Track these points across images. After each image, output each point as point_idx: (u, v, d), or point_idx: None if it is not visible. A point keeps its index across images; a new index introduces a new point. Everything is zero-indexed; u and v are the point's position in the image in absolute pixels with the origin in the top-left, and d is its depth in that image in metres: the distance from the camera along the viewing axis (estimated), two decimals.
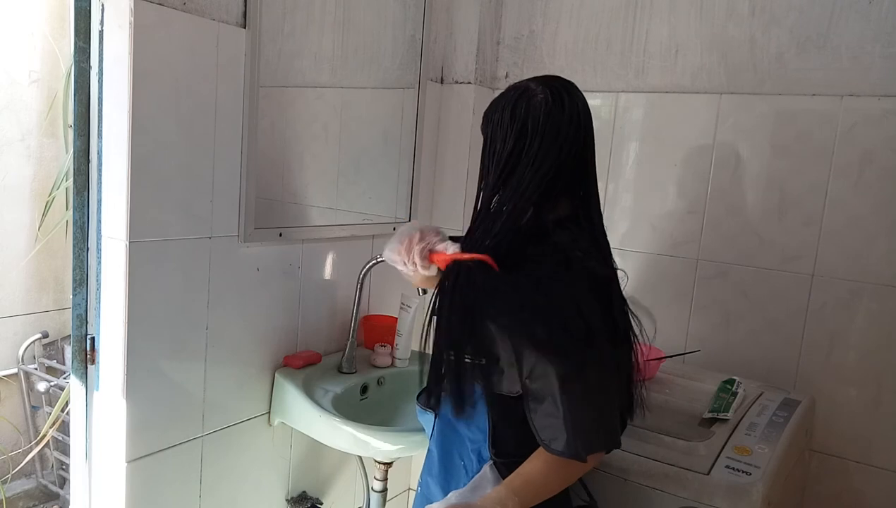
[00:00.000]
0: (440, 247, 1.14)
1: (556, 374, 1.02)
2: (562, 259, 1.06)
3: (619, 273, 1.17)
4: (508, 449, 1.11)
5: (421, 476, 1.26)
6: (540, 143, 1.09)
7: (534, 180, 1.09)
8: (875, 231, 1.64)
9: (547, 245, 1.08)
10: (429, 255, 1.15)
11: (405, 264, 1.19)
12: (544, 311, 1.04)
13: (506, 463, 1.10)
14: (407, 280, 1.28)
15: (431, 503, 1.19)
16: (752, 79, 1.76)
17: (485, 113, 1.17)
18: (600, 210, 1.17)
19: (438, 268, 1.16)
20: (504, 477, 1.08)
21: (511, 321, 1.06)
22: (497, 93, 1.18)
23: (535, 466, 1.05)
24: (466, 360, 1.10)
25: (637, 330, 1.18)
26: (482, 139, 1.18)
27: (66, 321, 2.79)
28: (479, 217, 1.14)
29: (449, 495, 1.12)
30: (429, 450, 1.25)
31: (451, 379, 1.12)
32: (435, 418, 1.23)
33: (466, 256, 1.08)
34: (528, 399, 1.06)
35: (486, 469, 1.11)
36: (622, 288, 1.17)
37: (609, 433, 1.07)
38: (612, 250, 1.19)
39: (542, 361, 1.03)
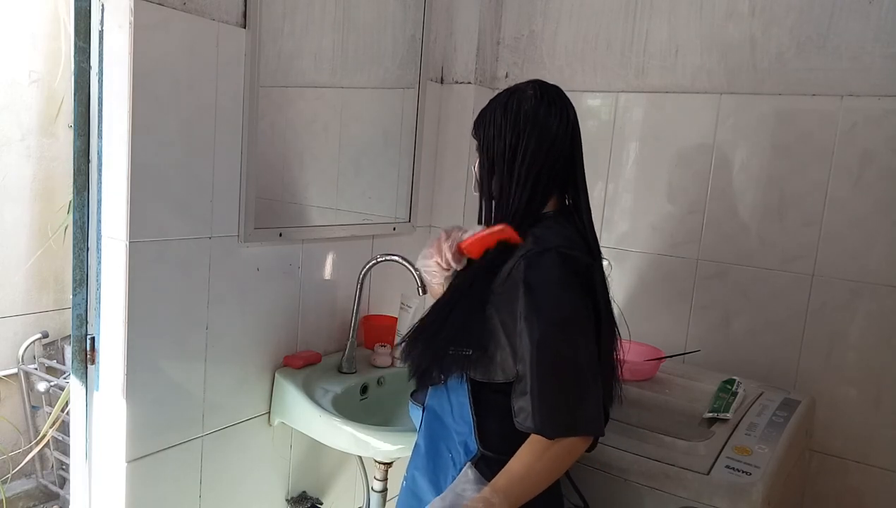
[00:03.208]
0: (465, 236, 1.17)
1: (530, 351, 1.04)
2: (542, 246, 1.09)
3: (604, 263, 1.20)
4: (494, 442, 1.11)
5: (407, 471, 1.27)
6: (531, 135, 1.13)
7: (529, 172, 1.14)
8: (875, 231, 1.64)
9: (530, 234, 1.12)
10: (457, 248, 1.18)
11: (440, 265, 1.20)
12: (527, 294, 1.06)
13: (492, 459, 1.10)
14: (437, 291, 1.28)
15: (417, 496, 1.20)
16: (752, 79, 1.76)
17: (476, 118, 1.21)
18: (589, 205, 1.20)
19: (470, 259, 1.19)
20: (488, 474, 1.09)
21: (498, 307, 1.10)
22: (496, 94, 1.21)
23: (516, 460, 1.06)
24: (450, 352, 1.12)
25: (618, 324, 1.21)
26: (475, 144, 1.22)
27: (66, 321, 2.79)
28: (482, 215, 1.20)
29: (433, 501, 1.12)
30: (416, 444, 1.26)
31: (421, 360, 1.16)
32: (423, 411, 1.23)
33: (488, 232, 1.12)
34: (514, 383, 1.07)
35: (467, 469, 1.12)
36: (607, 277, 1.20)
37: (586, 418, 1.06)
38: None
39: (524, 341, 1.05)
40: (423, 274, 1.26)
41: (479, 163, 1.20)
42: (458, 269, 1.19)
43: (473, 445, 1.13)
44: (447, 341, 1.13)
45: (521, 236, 1.13)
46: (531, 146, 1.13)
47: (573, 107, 1.18)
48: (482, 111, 1.20)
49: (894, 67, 1.60)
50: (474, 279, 1.14)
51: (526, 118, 1.13)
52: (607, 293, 1.18)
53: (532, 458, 1.05)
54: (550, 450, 1.04)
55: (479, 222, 1.21)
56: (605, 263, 1.20)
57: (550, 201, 1.18)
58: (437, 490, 1.17)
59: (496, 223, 1.16)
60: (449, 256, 1.18)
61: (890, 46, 1.60)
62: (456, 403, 1.16)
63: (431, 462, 1.21)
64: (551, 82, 1.20)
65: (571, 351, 1.06)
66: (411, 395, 1.31)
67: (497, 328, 1.09)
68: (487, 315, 1.10)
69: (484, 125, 1.18)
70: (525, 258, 1.09)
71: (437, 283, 1.24)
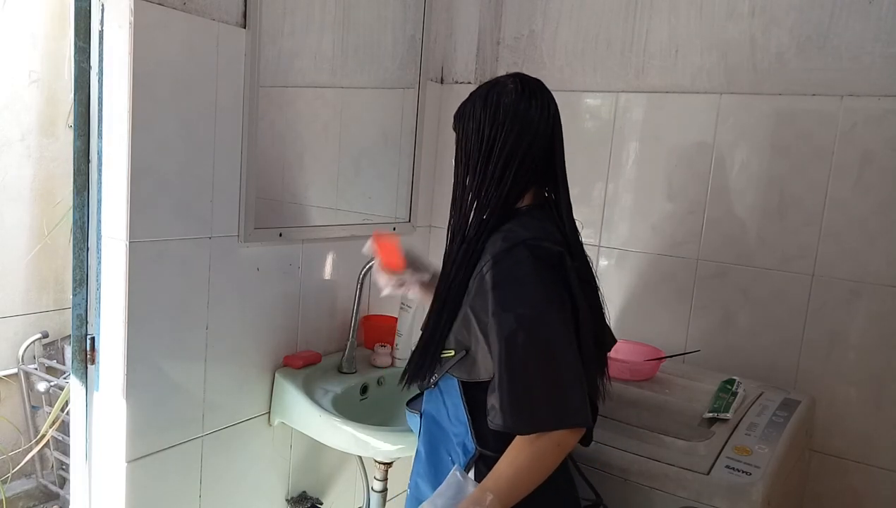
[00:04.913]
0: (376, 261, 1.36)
1: (498, 348, 1.04)
2: (511, 241, 1.09)
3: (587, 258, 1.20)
4: (490, 441, 1.11)
5: (410, 479, 1.27)
6: (511, 129, 1.12)
7: (507, 167, 1.13)
8: (875, 231, 1.64)
9: (501, 230, 1.12)
10: (382, 269, 1.36)
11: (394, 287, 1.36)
12: (494, 291, 1.06)
13: (490, 458, 1.10)
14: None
15: (421, 502, 1.20)
16: (752, 79, 1.76)
17: (456, 110, 1.20)
18: (569, 199, 1.19)
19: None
20: (484, 474, 1.08)
21: (473, 306, 1.10)
22: (477, 87, 1.21)
23: (503, 459, 1.06)
24: (443, 356, 1.14)
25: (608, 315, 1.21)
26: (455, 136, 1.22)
27: (66, 321, 2.79)
28: (456, 211, 1.19)
29: (423, 504, 1.12)
30: (416, 451, 1.26)
31: (413, 366, 1.19)
32: (420, 418, 1.24)
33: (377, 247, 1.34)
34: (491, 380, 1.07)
35: (455, 471, 1.11)
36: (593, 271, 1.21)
37: (568, 410, 1.03)
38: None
39: (493, 338, 1.05)
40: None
41: (456, 156, 1.19)
42: (403, 277, 1.34)
43: (471, 445, 1.13)
44: (435, 345, 1.14)
45: (493, 231, 1.13)
46: (510, 141, 1.12)
47: (554, 100, 1.17)
48: (462, 103, 1.19)
49: (894, 67, 1.60)
50: (451, 281, 1.14)
51: (506, 112, 1.12)
52: (592, 283, 1.17)
53: (515, 455, 1.05)
54: (533, 446, 1.03)
55: (450, 217, 1.19)
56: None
57: (527, 195, 1.17)
58: None
59: (473, 219, 1.15)
60: (384, 281, 1.35)
61: (890, 46, 1.60)
62: (451, 405, 1.16)
63: (433, 468, 1.21)
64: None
65: (543, 345, 1.05)
66: (408, 404, 1.31)
67: (475, 327, 1.09)
68: (465, 314, 1.11)
69: (463, 118, 1.17)
70: (493, 255, 1.08)
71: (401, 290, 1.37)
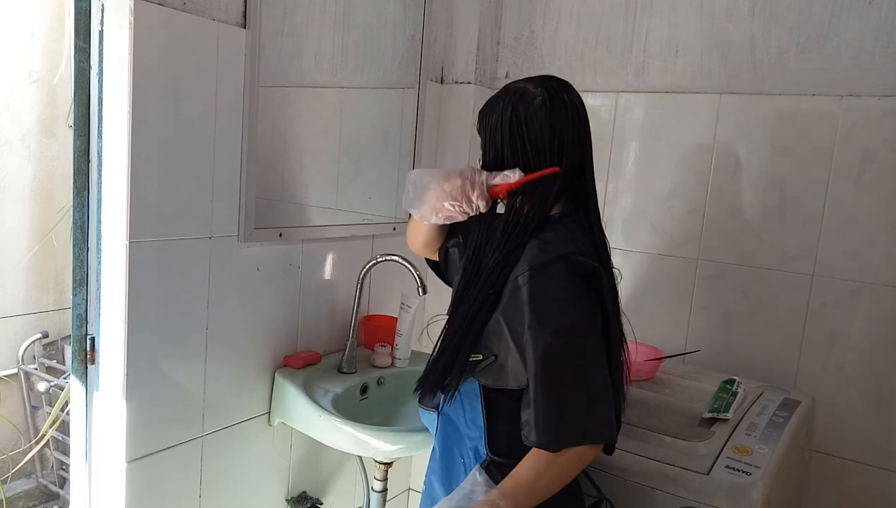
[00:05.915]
0: (498, 180, 1.12)
1: (534, 363, 1.03)
2: (548, 253, 1.07)
3: (614, 271, 1.18)
4: (503, 447, 1.11)
5: (425, 476, 1.28)
6: (542, 147, 1.10)
7: (542, 184, 1.11)
8: (875, 231, 1.64)
9: (537, 237, 1.10)
10: (491, 190, 1.14)
11: (465, 212, 1.16)
12: (531, 305, 1.05)
13: (501, 464, 1.10)
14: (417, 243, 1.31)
15: (434, 500, 1.20)
16: (752, 79, 1.76)
17: (481, 112, 1.18)
18: (598, 207, 1.18)
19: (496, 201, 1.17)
20: (498, 477, 1.08)
21: (506, 314, 1.08)
22: (504, 90, 1.17)
23: (525, 465, 1.06)
24: (470, 359, 1.12)
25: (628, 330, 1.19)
26: (480, 139, 1.19)
27: (66, 321, 2.79)
28: (485, 224, 1.16)
29: (441, 501, 1.12)
30: (433, 449, 1.26)
31: (436, 370, 1.16)
32: (438, 416, 1.23)
33: (535, 175, 1.09)
34: (524, 391, 1.07)
35: (476, 472, 1.11)
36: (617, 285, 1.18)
37: (596, 426, 1.05)
38: (613, 250, 1.20)
39: (528, 352, 1.04)
40: (438, 217, 1.20)
41: (484, 166, 1.17)
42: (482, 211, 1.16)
43: (483, 451, 1.13)
44: (465, 351, 1.13)
45: (527, 240, 1.10)
46: (543, 159, 1.10)
47: (583, 102, 1.14)
48: (488, 109, 1.16)
49: (894, 67, 1.60)
50: (486, 293, 1.11)
51: (537, 129, 1.10)
52: (616, 298, 1.16)
53: (541, 467, 1.04)
54: (559, 460, 1.04)
55: (476, 228, 1.17)
56: (615, 271, 1.18)
57: (558, 204, 1.15)
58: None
59: (505, 232, 1.12)
60: (481, 204, 1.14)
61: (890, 46, 1.61)
62: (469, 409, 1.16)
63: (445, 468, 1.21)
64: None
65: (577, 361, 1.05)
66: (420, 401, 1.30)
67: (506, 335, 1.08)
68: (496, 322, 1.10)
69: (490, 127, 1.14)
70: (531, 267, 1.07)
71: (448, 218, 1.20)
